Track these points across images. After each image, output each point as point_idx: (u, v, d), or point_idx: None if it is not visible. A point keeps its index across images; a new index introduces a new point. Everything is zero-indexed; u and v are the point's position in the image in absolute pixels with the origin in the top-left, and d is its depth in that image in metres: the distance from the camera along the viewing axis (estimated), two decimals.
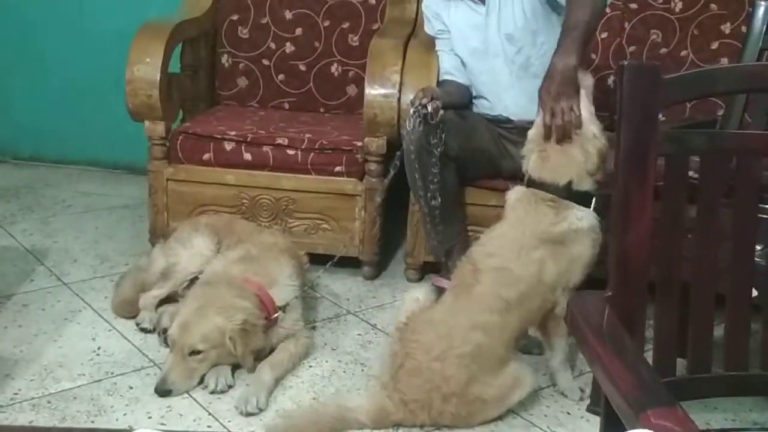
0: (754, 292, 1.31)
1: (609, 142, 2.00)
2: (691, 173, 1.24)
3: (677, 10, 2.97)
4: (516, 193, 2.08)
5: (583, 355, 1.09)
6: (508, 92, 2.54)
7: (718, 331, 1.29)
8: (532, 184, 2.04)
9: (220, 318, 2.05)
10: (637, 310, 1.20)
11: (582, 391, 2.13)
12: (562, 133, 2.00)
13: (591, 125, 2.02)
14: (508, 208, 2.07)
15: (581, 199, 2.01)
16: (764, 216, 1.31)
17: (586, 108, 2.04)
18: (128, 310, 2.42)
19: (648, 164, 1.15)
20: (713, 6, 2.95)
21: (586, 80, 2.10)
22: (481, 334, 1.90)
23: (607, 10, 2.97)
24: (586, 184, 2.01)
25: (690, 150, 1.21)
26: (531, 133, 2.11)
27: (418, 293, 2.07)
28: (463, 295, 1.96)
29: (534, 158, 2.05)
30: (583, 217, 2.00)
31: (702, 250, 1.26)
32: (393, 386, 1.94)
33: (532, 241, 1.96)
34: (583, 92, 2.05)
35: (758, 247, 1.57)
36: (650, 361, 1.21)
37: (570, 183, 1.99)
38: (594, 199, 2.02)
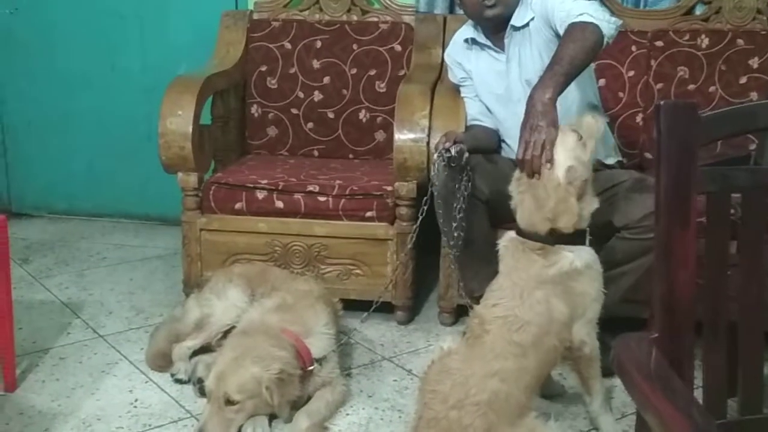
0: None
1: (580, 190, 1.94)
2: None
3: (703, 46, 2.97)
4: (505, 241, 2.05)
5: (633, 399, 1.07)
6: None
7: None
8: (520, 233, 2.01)
9: (256, 368, 2.04)
10: (685, 351, 1.17)
11: None
12: (530, 167, 1.96)
13: (559, 170, 1.93)
14: (500, 257, 2.04)
15: (573, 239, 1.95)
16: None
17: (565, 150, 1.95)
18: (162, 363, 2.42)
19: (689, 203, 1.14)
20: (739, 41, 2.95)
21: (597, 123, 2.03)
22: (498, 381, 1.85)
23: (633, 48, 3.01)
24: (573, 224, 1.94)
25: (731, 187, 1.20)
26: (517, 171, 2.06)
27: (445, 343, 2.01)
28: (476, 345, 1.92)
29: (517, 203, 2.02)
30: (575, 259, 1.94)
31: (747, 288, 1.24)
32: None
33: (530, 283, 1.92)
34: (573, 136, 1.97)
35: None
36: (700, 402, 1.19)
37: (552, 229, 1.94)
38: (588, 233, 1.98)
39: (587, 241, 1.99)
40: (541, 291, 1.91)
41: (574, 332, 1.97)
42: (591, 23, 2.14)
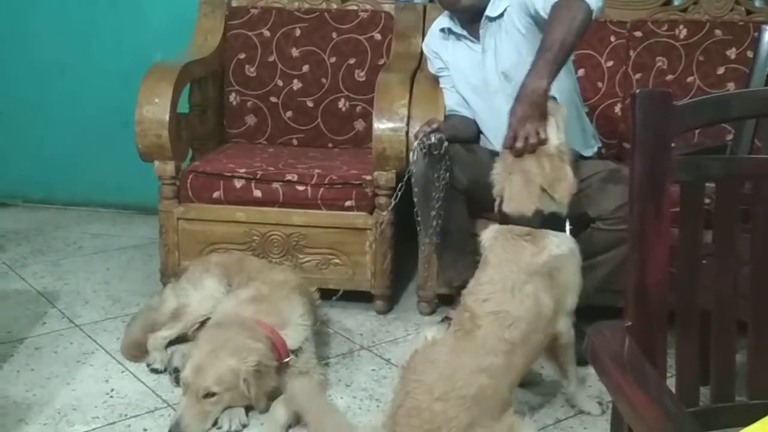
0: None
1: (573, 169, 2.02)
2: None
3: (682, 36, 2.98)
4: (491, 232, 2.05)
5: (606, 387, 1.07)
6: None
7: (741, 358, 1.27)
8: (504, 219, 2.02)
9: (234, 360, 2.03)
10: (658, 339, 1.18)
11: (600, 404, 2.16)
12: (519, 155, 1.99)
13: (552, 142, 2.00)
14: (486, 249, 2.03)
15: (555, 223, 2.00)
16: None
17: (554, 134, 2.02)
18: (136, 352, 2.41)
19: (663, 192, 1.14)
20: (717, 32, 2.96)
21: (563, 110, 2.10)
22: (486, 377, 1.84)
23: (612, 38, 3.01)
24: (554, 207, 1.99)
25: (705, 176, 1.20)
26: (498, 159, 2.09)
27: (429, 332, 2.00)
28: (466, 339, 1.91)
29: (505, 185, 2.04)
30: (561, 243, 1.98)
31: (721, 277, 1.24)
32: (391, 427, 1.89)
33: (521, 276, 1.93)
34: (554, 124, 2.03)
35: None
36: (672, 390, 1.20)
37: (539, 211, 1.97)
38: (567, 222, 2.02)
39: (567, 230, 2.02)
40: (531, 285, 1.92)
41: (556, 326, 2.00)
42: (578, 2, 2.09)
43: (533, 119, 1.98)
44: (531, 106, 2.00)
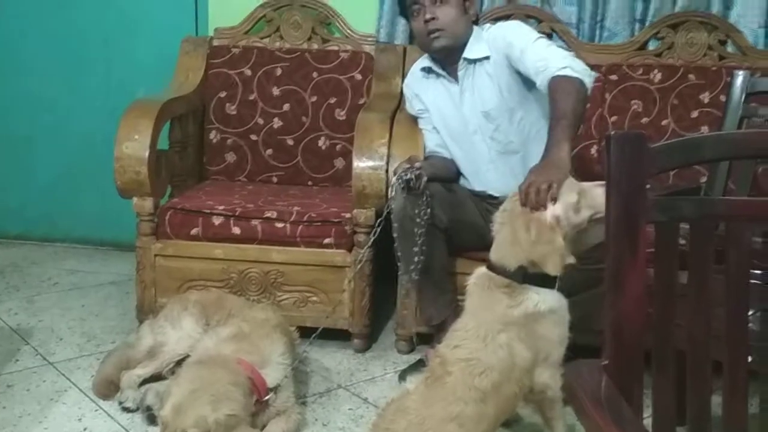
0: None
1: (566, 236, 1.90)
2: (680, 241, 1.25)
3: (656, 80, 3.05)
4: (474, 277, 2.00)
5: (583, 426, 1.07)
6: (488, 168, 2.57)
7: (717, 398, 1.28)
8: (489, 264, 1.96)
9: (211, 406, 1.97)
10: (634, 378, 1.18)
11: None
12: (533, 199, 1.88)
13: (549, 212, 1.88)
14: (467, 294, 1.99)
15: (541, 281, 1.89)
16: (756, 282, 1.32)
17: (562, 203, 1.89)
18: (107, 391, 2.37)
19: (638, 232, 1.16)
20: (691, 76, 3.03)
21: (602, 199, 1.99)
22: (456, 426, 1.79)
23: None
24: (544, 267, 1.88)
25: (680, 217, 1.22)
26: (510, 199, 2.00)
27: (410, 383, 1.95)
28: (436, 386, 1.86)
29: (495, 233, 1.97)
30: (539, 301, 1.87)
31: (695, 318, 1.26)
32: None
33: (495, 326, 1.86)
34: (574, 198, 1.88)
35: (750, 312, 1.57)
36: (650, 430, 1.20)
37: (522, 267, 1.88)
38: (558, 279, 1.91)
39: (556, 286, 1.92)
40: (505, 334, 1.85)
41: (536, 375, 1.91)
42: (577, 78, 2.17)
43: (548, 176, 1.91)
44: (551, 168, 1.96)
